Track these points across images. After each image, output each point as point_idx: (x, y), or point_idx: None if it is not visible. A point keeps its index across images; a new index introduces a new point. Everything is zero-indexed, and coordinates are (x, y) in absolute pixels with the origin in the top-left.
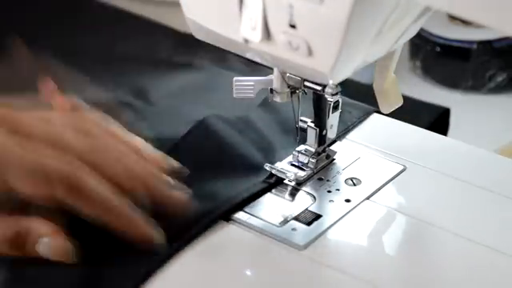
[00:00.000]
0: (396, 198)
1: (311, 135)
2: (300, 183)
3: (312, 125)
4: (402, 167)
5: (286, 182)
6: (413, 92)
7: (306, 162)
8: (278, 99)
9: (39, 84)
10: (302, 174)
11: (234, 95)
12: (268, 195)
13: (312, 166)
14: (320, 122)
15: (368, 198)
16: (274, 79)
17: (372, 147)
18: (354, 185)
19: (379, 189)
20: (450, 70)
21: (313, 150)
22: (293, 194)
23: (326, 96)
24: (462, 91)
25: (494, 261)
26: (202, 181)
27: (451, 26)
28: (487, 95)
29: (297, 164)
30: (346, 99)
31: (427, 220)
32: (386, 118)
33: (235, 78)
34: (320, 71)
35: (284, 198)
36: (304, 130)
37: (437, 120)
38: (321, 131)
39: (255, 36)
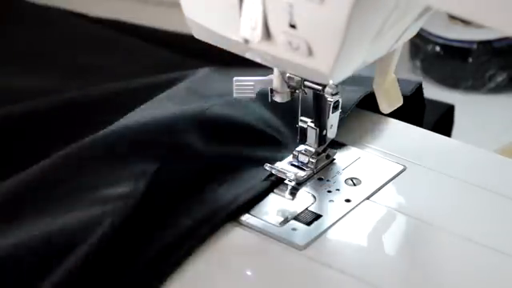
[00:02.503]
0: (396, 198)
1: (311, 135)
2: (300, 183)
3: (312, 125)
4: (401, 167)
5: (286, 181)
6: None
7: (305, 161)
8: (278, 99)
9: None
10: (302, 173)
11: (234, 95)
12: (268, 195)
13: (312, 166)
14: (320, 122)
15: (368, 198)
16: (274, 79)
17: (372, 147)
18: (354, 185)
19: (379, 189)
20: (450, 70)
21: (313, 149)
22: (293, 194)
23: (326, 96)
24: (461, 91)
25: (493, 261)
26: (204, 184)
27: (451, 26)
28: (487, 95)
29: (297, 164)
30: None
31: (427, 220)
32: (386, 118)
33: (235, 78)
34: (320, 71)
35: (284, 197)
36: (304, 130)
37: (442, 117)
38: (321, 131)
39: (255, 36)
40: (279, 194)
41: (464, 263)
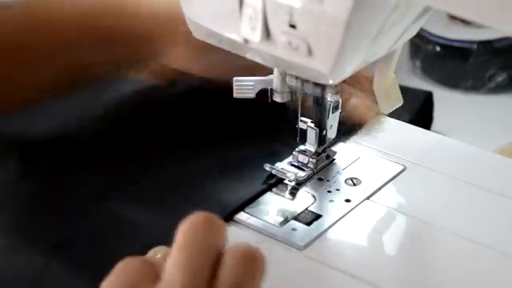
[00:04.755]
0: (396, 198)
1: (311, 135)
2: (300, 183)
3: (312, 125)
4: (402, 167)
5: (286, 181)
6: None
7: (305, 162)
8: (278, 99)
9: None
10: (301, 174)
11: (234, 95)
12: (268, 195)
13: (312, 166)
14: (320, 122)
15: (368, 198)
16: (274, 79)
17: (372, 147)
18: (354, 185)
19: (379, 189)
20: (450, 70)
21: (313, 150)
22: (293, 194)
23: (326, 96)
24: (462, 91)
25: (493, 260)
26: (203, 184)
27: (451, 26)
28: (487, 95)
29: (297, 164)
30: None
31: (427, 220)
32: (387, 118)
33: (235, 78)
34: (320, 71)
35: (284, 197)
36: (304, 131)
37: (423, 105)
38: (321, 131)
39: (255, 36)
40: (279, 194)
41: (463, 263)
